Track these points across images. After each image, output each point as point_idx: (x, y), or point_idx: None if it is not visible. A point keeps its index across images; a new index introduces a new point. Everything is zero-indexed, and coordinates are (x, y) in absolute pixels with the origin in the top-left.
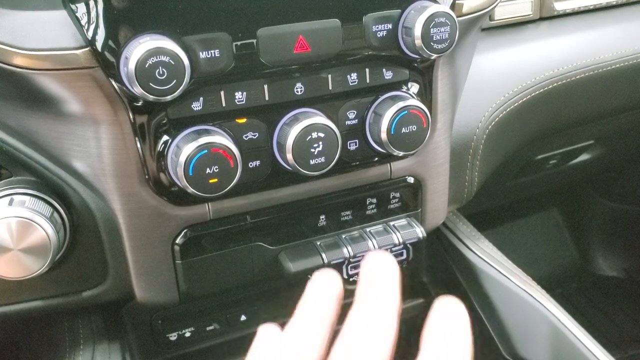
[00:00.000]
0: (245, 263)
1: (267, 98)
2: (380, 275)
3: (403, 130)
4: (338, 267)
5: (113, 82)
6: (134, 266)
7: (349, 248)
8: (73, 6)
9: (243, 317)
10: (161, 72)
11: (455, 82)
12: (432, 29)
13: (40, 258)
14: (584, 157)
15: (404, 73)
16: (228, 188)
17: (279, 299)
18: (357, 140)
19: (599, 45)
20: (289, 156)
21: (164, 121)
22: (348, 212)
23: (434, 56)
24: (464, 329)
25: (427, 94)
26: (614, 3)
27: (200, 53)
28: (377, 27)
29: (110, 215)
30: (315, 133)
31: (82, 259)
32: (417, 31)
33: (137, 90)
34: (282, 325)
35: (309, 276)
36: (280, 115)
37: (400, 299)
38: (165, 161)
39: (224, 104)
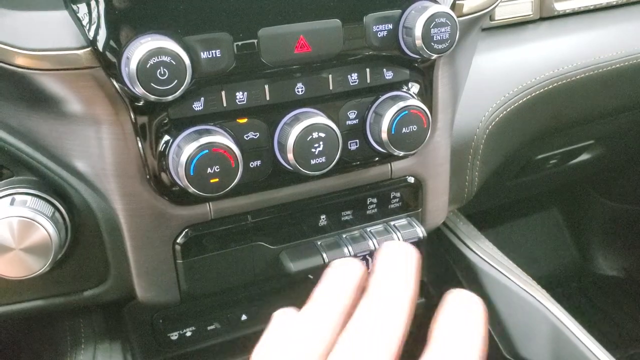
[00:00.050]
0: (246, 263)
1: (268, 98)
2: (395, 265)
3: (403, 130)
4: None
5: (114, 82)
6: (135, 266)
7: (350, 248)
8: (74, 6)
9: (244, 317)
10: (162, 72)
11: (455, 82)
12: (432, 29)
13: (42, 258)
14: (584, 156)
15: (405, 73)
16: (229, 188)
17: (279, 298)
18: (357, 140)
19: (599, 45)
20: (290, 156)
21: (165, 121)
22: (349, 212)
23: (435, 56)
24: (478, 322)
25: (427, 94)
26: (614, 3)
27: (202, 53)
28: (378, 27)
29: (112, 215)
30: (316, 133)
31: (83, 259)
32: (418, 31)
33: (139, 90)
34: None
35: (310, 276)
36: (281, 115)
37: (416, 291)
38: (166, 161)
39: (225, 104)
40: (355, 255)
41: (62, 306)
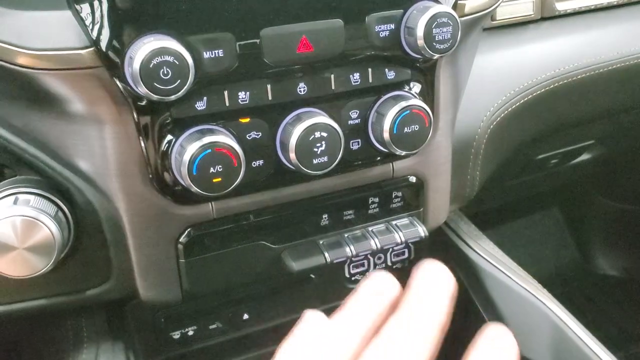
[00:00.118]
0: (248, 262)
1: (270, 98)
2: (432, 287)
3: (405, 129)
4: (340, 266)
5: (117, 82)
6: (137, 265)
7: (352, 247)
8: (77, 6)
9: (246, 316)
10: (165, 72)
11: (457, 81)
12: (434, 29)
13: (45, 257)
14: (585, 156)
15: (406, 73)
16: (231, 187)
17: (282, 297)
18: (359, 140)
19: (600, 45)
20: (292, 155)
21: (168, 121)
22: (350, 212)
23: (436, 56)
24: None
25: (429, 94)
26: (615, 3)
27: (204, 53)
28: (380, 27)
29: (114, 214)
30: (318, 132)
31: (86, 258)
32: (420, 31)
33: (142, 90)
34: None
35: (312, 275)
36: (283, 115)
37: (447, 319)
38: (169, 160)
39: (227, 104)
40: (357, 255)
41: (64, 305)
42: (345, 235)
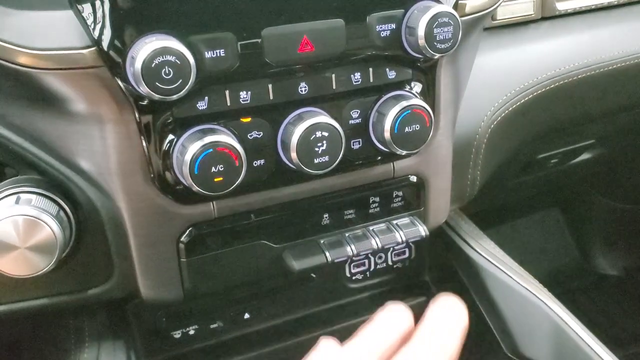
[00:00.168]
0: (249, 261)
1: (271, 97)
2: (444, 321)
3: (406, 129)
4: (341, 265)
5: (119, 82)
6: (139, 264)
7: (352, 246)
8: (79, 6)
9: (247, 315)
10: (167, 72)
11: (458, 81)
12: (435, 29)
13: (47, 256)
14: (585, 156)
15: (407, 72)
16: (233, 187)
17: (283, 297)
18: (360, 139)
19: (601, 45)
20: (293, 155)
21: (170, 120)
22: (351, 211)
23: (437, 56)
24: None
25: (430, 94)
26: (616, 3)
27: (206, 53)
28: (381, 27)
29: (116, 213)
30: (319, 132)
31: (87, 257)
32: (421, 31)
33: (144, 89)
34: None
35: (313, 275)
36: (284, 115)
37: (458, 350)
38: (170, 160)
39: (228, 103)
40: (358, 254)
41: (66, 304)
42: (346, 235)
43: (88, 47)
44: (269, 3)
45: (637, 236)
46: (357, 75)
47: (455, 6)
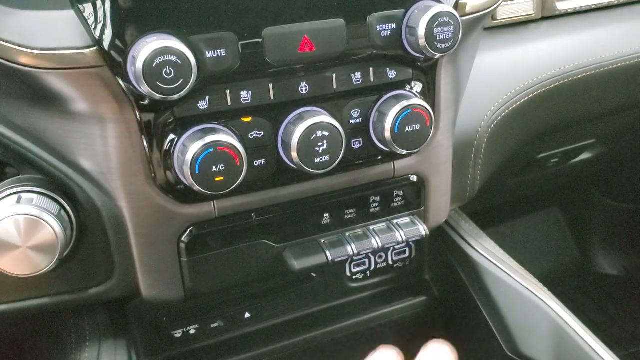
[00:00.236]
0: (250, 260)
1: (272, 97)
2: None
3: (407, 129)
4: (342, 264)
5: (120, 81)
6: (140, 264)
7: (353, 246)
8: (80, 6)
9: (247, 315)
10: (168, 72)
11: (458, 81)
12: (435, 29)
13: (48, 255)
14: (585, 155)
15: (408, 72)
16: (234, 186)
17: (283, 296)
18: (361, 139)
19: (601, 45)
20: (294, 154)
21: (171, 120)
22: (352, 210)
23: (438, 55)
24: None
25: (430, 93)
26: (616, 3)
27: (207, 52)
28: (381, 27)
29: (117, 213)
30: (320, 132)
31: (88, 257)
32: (421, 31)
33: (145, 89)
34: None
35: (313, 274)
36: (285, 114)
37: None
38: (171, 160)
39: (229, 103)
40: (358, 253)
41: (67, 304)
42: (347, 234)
43: (89, 46)
44: (269, 3)
45: (637, 236)
46: (358, 74)
47: (456, 6)
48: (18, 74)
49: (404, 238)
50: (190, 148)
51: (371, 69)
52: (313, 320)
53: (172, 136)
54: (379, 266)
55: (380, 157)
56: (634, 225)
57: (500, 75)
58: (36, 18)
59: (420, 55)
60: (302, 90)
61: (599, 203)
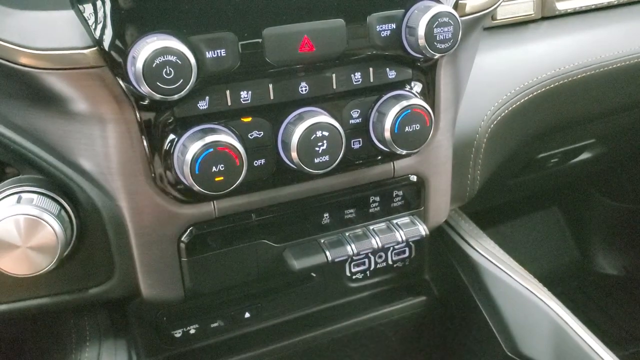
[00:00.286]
0: (249, 260)
1: (272, 97)
2: None
3: (406, 129)
4: (341, 264)
5: (120, 82)
6: (140, 263)
7: (353, 246)
8: (80, 6)
9: (247, 314)
10: (168, 72)
11: (458, 81)
12: (435, 29)
13: (48, 255)
14: (585, 155)
15: (407, 72)
16: (234, 186)
17: (283, 296)
18: (360, 139)
19: (601, 45)
20: (294, 154)
21: (170, 120)
22: (351, 210)
23: (437, 55)
24: None
25: (430, 93)
26: (615, 3)
27: (207, 53)
28: (381, 27)
29: (117, 213)
30: (320, 132)
31: (88, 257)
32: (421, 31)
33: (145, 89)
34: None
35: (313, 274)
36: (285, 114)
37: None
38: (171, 160)
39: (229, 103)
40: (358, 253)
41: (67, 304)
42: (346, 234)
43: (89, 47)
44: (269, 3)
45: (637, 236)
46: (358, 75)
47: (455, 6)
48: (18, 74)
49: (404, 238)
50: (190, 148)
51: (371, 69)
52: (313, 320)
53: (172, 136)
54: (378, 266)
55: (380, 157)
56: (634, 225)
57: (500, 75)
58: (36, 18)
59: (420, 56)
60: (302, 90)
61: (598, 203)
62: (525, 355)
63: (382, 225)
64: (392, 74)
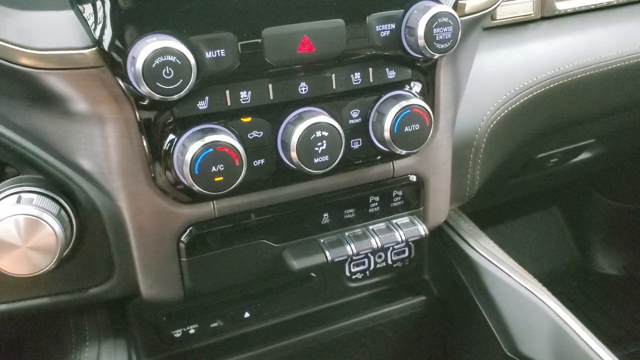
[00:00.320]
0: (249, 260)
1: (271, 97)
2: None
3: (406, 129)
4: (341, 264)
5: (120, 82)
6: (139, 263)
7: (352, 246)
8: (80, 6)
9: (247, 314)
10: (168, 72)
11: (457, 81)
12: (435, 29)
13: (48, 255)
14: (584, 155)
15: (407, 72)
16: (233, 186)
17: (282, 296)
18: (360, 139)
19: (600, 45)
20: (293, 154)
21: (170, 120)
22: (351, 210)
23: (437, 56)
24: None
25: (429, 93)
26: (615, 3)
27: (206, 53)
28: (381, 27)
29: (117, 213)
30: (319, 132)
31: (88, 257)
32: (420, 31)
33: (144, 89)
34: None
35: (312, 274)
36: (284, 114)
37: None
38: (171, 160)
39: (229, 103)
40: (358, 253)
41: (67, 304)
42: (346, 234)
43: (89, 47)
44: (269, 3)
45: (637, 235)
46: (357, 75)
47: (455, 6)
48: (18, 74)
49: (403, 238)
50: (189, 148)
51: (370, 69)
52: (312, 320)
53: (171, 136)
54: (378, 266)
55: (379, 157)
56: (634, 225)
57: (499, 75)
58: (36, 18)
59: (420, 56)
60: (301, 91)
61: (598, 203)
62: (524, 355)
63: (382, 225)
64: (391, 74)
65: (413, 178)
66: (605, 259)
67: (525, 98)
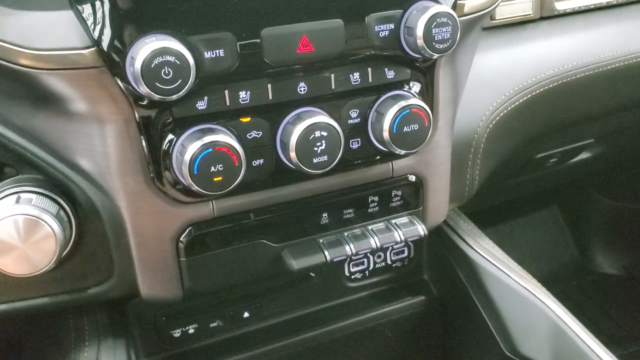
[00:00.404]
0: (248, 260)
1: (270, 97)
2: None
3: (405, 129)
4: (340, 264)
5: (119, 82)
6: (139, 263)
7: (351, 246)
8: (79, 7)
9: (246, 314)
10: (167, 72)
11: (456, 81)
12: (434, 29)
13: (47, 255)
14: (584, 155)
15: (406, 72)
16: (232, 186)
17: (282, 296)
18: (359, 139)
19: (599, 45)
20: (292, 155)
21: (169, 120)
22: (350, 210)
23: (436, 56)
24: None
25: (428, 93)
26: (614, 3)
27: (205, 53)
28: (380, 27)
29: (116, 212)
30: (318, 132)
31: (87, 257)
32: (419, 31)
33: (143, 89)
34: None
35: (312, 274)
36: (283, 114)
37: None
38: (170, 160)
39: (228, 103)
40: (357, 253)
41: (66, 304)
42: (345, 234)
43: (88, 47)
44: (268, 3)
45: (636, 235)
46: (356, 75)
47: (454, 6)
48: (17, 74)
49: (403, 238)
50: (188, 148)
51: (369, 69)
52: (312, 320)
53: (170, 136)
54: (377, 266)
55: (378, 157)
56: (634, 225)
57: (498, 75)
58: (35, 18)
59: (419, 56)
60: (300, 91)
61: (598, 202)
62: (524, 355)
63: (381, 225)
64: (390, 74)
65: (412, 178)
66: (605, 258)
67: (525, 98)
